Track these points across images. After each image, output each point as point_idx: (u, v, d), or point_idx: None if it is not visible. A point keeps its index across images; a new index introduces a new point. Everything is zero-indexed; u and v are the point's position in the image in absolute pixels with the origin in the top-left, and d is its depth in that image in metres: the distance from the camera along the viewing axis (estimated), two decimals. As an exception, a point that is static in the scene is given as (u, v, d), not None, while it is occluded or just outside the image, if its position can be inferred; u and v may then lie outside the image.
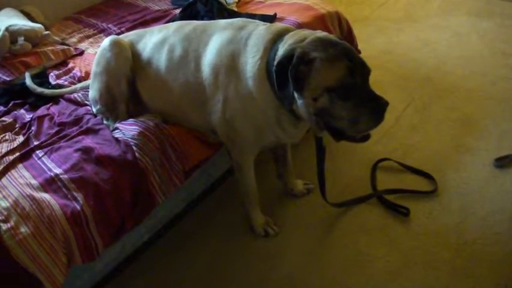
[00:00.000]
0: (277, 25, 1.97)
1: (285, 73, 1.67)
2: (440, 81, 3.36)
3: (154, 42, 2.15)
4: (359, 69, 1.68)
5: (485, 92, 3.20)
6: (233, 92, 1.91)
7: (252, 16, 2.78)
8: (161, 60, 2.10)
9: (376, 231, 2.28)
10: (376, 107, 1.67)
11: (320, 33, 1.79)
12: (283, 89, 1.71)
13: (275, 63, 1.74)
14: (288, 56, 1.69)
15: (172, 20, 2.98)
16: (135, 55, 2.18)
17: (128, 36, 2.30)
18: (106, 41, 2.19)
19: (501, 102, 3.08)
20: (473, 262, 2.09)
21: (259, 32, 1.89)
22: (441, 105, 3.12)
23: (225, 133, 2.02)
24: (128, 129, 2.03)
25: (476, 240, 2.18)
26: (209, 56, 1.96)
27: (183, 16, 2.94)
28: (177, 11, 3.16)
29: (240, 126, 1.96)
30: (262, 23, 2.01)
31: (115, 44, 2.15)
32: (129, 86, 2.16)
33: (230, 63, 1.90)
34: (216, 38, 1.98)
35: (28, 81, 2.49)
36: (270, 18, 2.74)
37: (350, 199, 2.43)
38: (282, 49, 1.76)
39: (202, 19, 2.81)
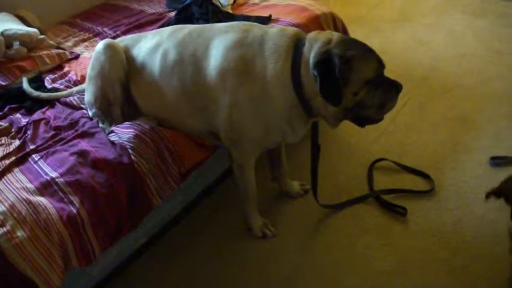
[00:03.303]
0: (289, 29, 1.99)
1: (329, 74, 1.76)
2: (436, 81, 3.37)
3: (149, 47, 2.15)
4: (381, 60, 1.87)
5: (481, 91, 3.20)
6: (245, 95, 1.91)
7: (247, 18, 2.79)
8: (155, 65, 2.09)
9: (374, 231, 2.28)
10: (396, 89, 1.89)
11: (337, 34, 1.91)
12: (328, 89, 1.78)
13: (313, 66, 1.80)
14: (326, 58, 1.77)
15: (168, 23, 2.98)
16: (130, 60, 2.18)
17: (123, 41, 2.29)
18: (100, 45, 2.18)
19: (496, 101, 3.08)
20: (471, 261, 2.09)
21: (274, 37, 1.92)
22: (437, 104, 3.12)
23: (228, 135, 2.02)
24: (123, 132, 2.03)
25: (473, 238, 2.19)
26: (213, 60, 1.96)
27: (178, 19, 2.94)
28: (172, 14, 3.16)
29: (248, 128, 1.97)
30: (269, 25, 2.06)
31: (109, 48, 2.15)
32: (123, 89, 2.15)
33: (241, 67, 1.91)
34: (218, 41, 1.98)
35: (25, 85, 2.49)
36: (265, 20, 2.75)
37: (346, 200, 2.43)
38: (310, 53, 1.83)
39: (197, 22, 2.81)
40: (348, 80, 1.78)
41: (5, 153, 2.05)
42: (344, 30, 2.99)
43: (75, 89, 2.45)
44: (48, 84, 2.60)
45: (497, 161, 2.56)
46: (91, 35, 3.21)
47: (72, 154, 1.92)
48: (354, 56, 1.77)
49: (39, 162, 1.94)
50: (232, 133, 2.00)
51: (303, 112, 1.94)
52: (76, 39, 3.17)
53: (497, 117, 2.93)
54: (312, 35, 1.92)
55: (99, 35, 3.15)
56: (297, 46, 1.89)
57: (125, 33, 3.03)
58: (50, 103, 2.41)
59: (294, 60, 1.86)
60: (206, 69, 1.97)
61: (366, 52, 1.83)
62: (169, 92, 2.07)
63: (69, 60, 2.88)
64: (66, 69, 2.77)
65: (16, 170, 1.93)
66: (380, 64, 1.85)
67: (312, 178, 2.30)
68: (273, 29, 1.97)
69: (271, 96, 1.90)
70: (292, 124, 1.98)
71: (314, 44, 1.85)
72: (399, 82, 1.90)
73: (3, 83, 2.62)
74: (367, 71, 1.81)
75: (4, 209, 1.68)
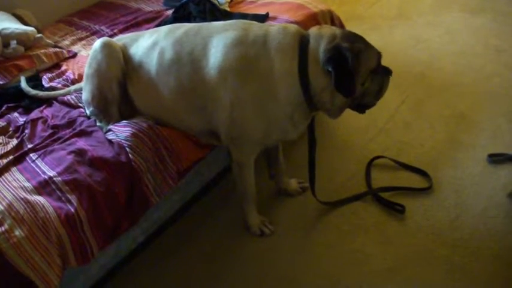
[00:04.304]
0: (290, 27, 2.00)
1: (343, 68, 1.82)
2: (434, 78, 3.37)
3: (146, 45, 2.14)
4: (378, 49, 1.99)
5: (479, 88, 3.21)
6: (248, 94, 1.91)
7: (244, 16, 2.79)
8: (152, 64, 2.09)
9: (372, 229, 2.29)
10: (388, 74, 2.03)
11: (338, 29, 1.99)
12: (343, 83, 1.84)
13: (325, 62, 1.84)
14: (337, 53, 1.83)
15: (165, 21, 2.98)
16: (128, 59, 2.17)
17: (121, 40, 2.29)
18: (97, 43, 2.18)
19: (495, 98, 3.09)
20: (469, 258, 2.09)
21: (277, 35, 1.93)
22: (435, 102, 3.12)
23: (229, 134, 2.02)
24: (121, 131, 2.03)
25: (472, 235, 2.19)
26: (213, 59, 1.95)
27: (176, 17, 2.94)
28: (170, 11, 3.16)
29: (250, 127, 1.97)
30: (267, 24, 2.08)
31: (106, 46, 2.14)
32: (121, 88, 2.15)
33: (243, 66, 1.91)
34: (217, 40, 1.97)
35: (23, 84, 2.49)
36: (263, 18, 2.74)
37: (344, 198, 2.44)
38: (318, 49, 1.87)
39: (194, 19, 2.81)
40: (358, 71, 1.85)
41: (2, 152, 2.04)
42: (341, 28, 2.99)
43: (72, 87, 2.44)
44: (45, 83, 2.60)
45: (495, 158, 2.56)
46: (88, 33, 3.20)
47: (69, 153, 1.92)
48: (361, 49, 1.86)
49: (36, 161, 1.94)
50: (233, 132, 2.00)
51: (306, 107, 1.97)
52: (73, 37, 3.17)
53: (495, 114, 2.93)
54: (314, 31, 1.94)
55: (97, 34, 3.15)
56: (301, 43, 1.91)
57: (122, 31, 3.03)
58: (48, 102, 2.40)
59: (301, 57, 1.89)
60: (205, 67, 1.97)
61: (368, 44, 1.93)
62: (166, 91, 2.06)
63: (66, 59, 2.88)
64: (63, 67, 2.77)
65: (14, 169, 1.93)
66: (379, 53, 1.96)
67: (309, 172, 2.31)
68: (273, 28, 1.98)
69: (277, 95, 1.91)
70: (294, 120, 2.00)
71: (320, 40, 1.89)
72: (388, 67, 2.03)
73: (0, 82, 2.61)
74: (371, 61, 1.91)
75: (2, 208, 1.68)
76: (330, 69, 1.82)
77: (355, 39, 1.90)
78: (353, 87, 1.85)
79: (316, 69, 1.87)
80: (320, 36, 1.90)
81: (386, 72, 2.01)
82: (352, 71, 1.82)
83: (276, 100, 1.92)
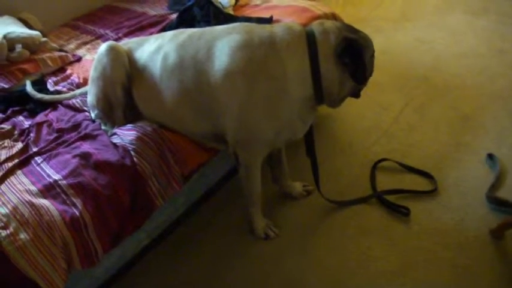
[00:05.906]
0: (294, 25, 2.01)
1: (358, 58, 1.92)
2: (438, 80, 3.36)
3: (150, 50, 2.15)
4: None
5: (483, 90, 3.20)
6: (258, 96, 1.91)
7: (249, 19, 2.79)
8: (156, 68, 2.09)
9: (377, 232, 2.28)
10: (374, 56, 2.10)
11: (337, 22, 2.09)
12: (359, 71, 1.95)
13: (341, 54, 1.91)
14: (349, 45, 1.92)
15: (170, 25, 2.98)
16: (133, 63, 2.17)
17: (127, 44, 2.29)
18: (103, 47, 2.18)
19: (499, 100, 3.08)
20: (473, 260, 2.09)
21: (284, 35, 1.94)
22: (439, 104, 3.12)
23: (236, 137, 2.02)
24: (126, 135, 2.03)
25: (476, 238, 2.18)
26: (217, 62, 1.95)
27: (180, 21, 2.94)
28: (174, 15, 3.16)
29: (260, 128, 1.97)
30: (269, 25, 2.08)
31: (111, 50, 2.15)
32: (125, 92, 2.14)
33: (252, 68, 1.91)
34: (221, 43, 1.97)
35: (29, 87, 2.50)
36: (267, 21, 2.75)
37: (350, 200, 2.43)
38: (328, 44, 1.93)
39: (199, 23, 2.82)
40: (366, 58, 1.97)
41: (7, 155, 2.05)
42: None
43: (78, 91, 2.45)
44: (50, 86, 2.61)
45: (492, 159, 2.58)
46: (93, 37, 3.21)
47: (74, 156, 1.92)
48: (364, 38, 1.99)
49: (41, 164, 1.94)
50: (241, 134, 2.00)
51: (314, 102, 2.02)
52: (78, 41, 3.18)
53: (500, 116, 2.93)
54: (318, 27, 1.98)
55: (101, 38, 3.16)
56: (309, 40, 1.94)
57: (127, 35, 3.04)
58: (53, 105, 2.41)
59: (311, 54, 1.92)
60: (210, 71, 1.96)
61: (364, 32, 2.03)
62: (170, 95, 2.06)
63: (71, 63, 2.89)
64: (68, 71, 2.78)
65: (19, 172, 1.93)
66: (371, 40, 2.06)
67: (313, 171, 2.33)
68: (278, 28, 1.98)
69: (290, 94, 1.93)
70: (303, 116, 2.03)
71: (327, 35, 1.94)
72: None
73: (5, 86, 2.63)
74: (371, 47, 2.03)
75: (7, 211, 1.69)
76: (346, 60, 1.90)
77: (355, 29, 2.01)
78: (366, 74, 1.99)
79: (328, 63, 1.93)
80: (326, 32, 1.94)
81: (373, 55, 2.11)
82: (365, 59, 1.94)
83: (288, 100, 1.93)
